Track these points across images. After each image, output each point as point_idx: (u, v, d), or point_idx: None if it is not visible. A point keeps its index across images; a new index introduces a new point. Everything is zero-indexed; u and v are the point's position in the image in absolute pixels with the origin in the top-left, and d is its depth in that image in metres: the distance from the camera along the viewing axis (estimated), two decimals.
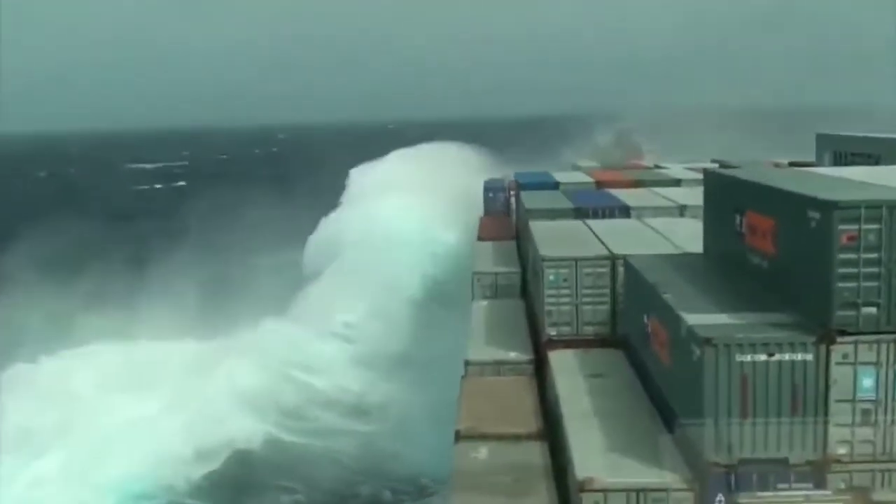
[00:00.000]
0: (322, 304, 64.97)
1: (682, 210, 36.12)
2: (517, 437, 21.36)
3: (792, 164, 52.63)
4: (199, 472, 46.60)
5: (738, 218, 20.93)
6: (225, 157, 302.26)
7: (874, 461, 16.25)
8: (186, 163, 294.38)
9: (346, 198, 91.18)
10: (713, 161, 63.47)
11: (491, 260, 39.27)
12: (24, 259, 69.42)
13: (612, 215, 36.19)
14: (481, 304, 34.14)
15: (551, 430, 21.58)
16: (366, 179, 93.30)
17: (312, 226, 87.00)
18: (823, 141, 57.11)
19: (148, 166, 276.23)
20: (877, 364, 16.11)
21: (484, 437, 21.38)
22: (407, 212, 75.39)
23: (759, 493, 16.02)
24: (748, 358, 16.12)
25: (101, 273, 66.71)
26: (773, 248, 18.82)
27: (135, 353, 55.42)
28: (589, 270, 26.75)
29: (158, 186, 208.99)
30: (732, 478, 16.16)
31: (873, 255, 16.03)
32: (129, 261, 79.27)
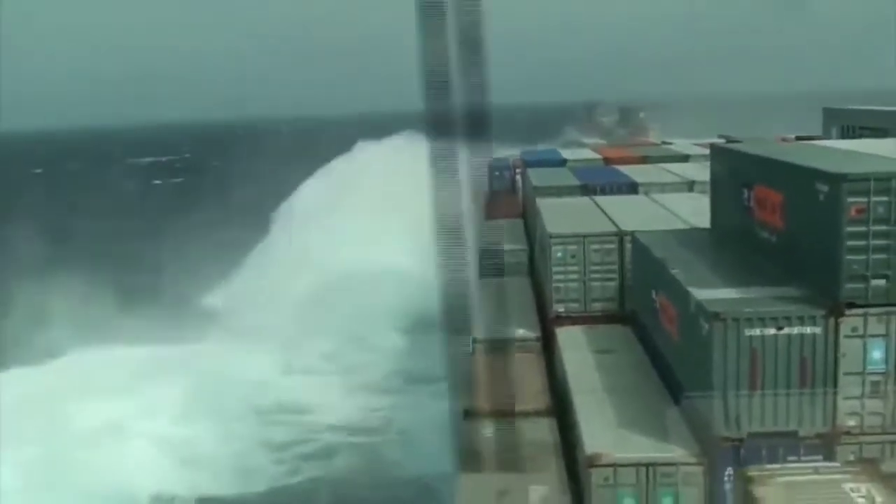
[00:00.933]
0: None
1: (690, 185, 36.02)
2: (525, 414, 21.35)
3: (799, 139, 52.39)
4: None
5: (745, 192, 20.84)
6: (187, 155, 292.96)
7: (884, 433, 16.24)
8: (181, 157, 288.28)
9: (285, 221, 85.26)
10: (720, 136, 63.24)
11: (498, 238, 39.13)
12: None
13: (619, 192, 36.08)
14: (488, 282, 34.06)
15: (559, 407, 21.57)
16: (311, 195, 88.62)
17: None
18: (830, 115, 56.85)
19: (144, 160, 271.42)
20: (886, 336, 16.08)
21: (491, 415, 21.35)
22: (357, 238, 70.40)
23: (769, 466, 16.00)
24: (757, 332, 16.08)
25: (81, 272, 65.87)
26: (781, 221, 18.74)
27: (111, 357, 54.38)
28: (596, 247, 26.71)
29: (156, 182, 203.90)
30: (742, 451, 16.17)
31: (882, 228, 15.97)
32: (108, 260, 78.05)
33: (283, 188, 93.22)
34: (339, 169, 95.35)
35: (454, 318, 11.97)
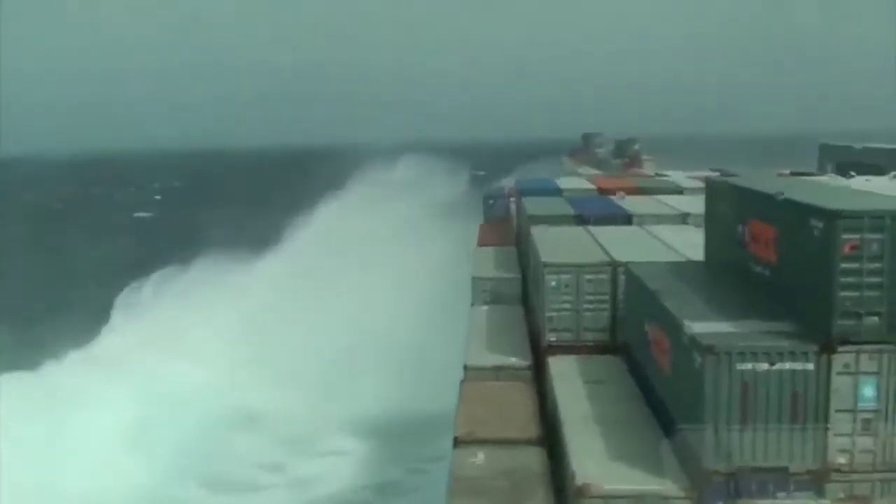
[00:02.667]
0: None
1: (684, 218, 36.09)
2: (516, 443, 21.29)
3: (794, 175, 52.64)
4: None
5: (740, 226, 20.90)
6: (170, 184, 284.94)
7: (874, 471, 16.21)
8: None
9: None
10: (714, 170, 63.50)
11: (491, 265, 39.22)
12: None
13: (613, 222, 36.11)
14: (481, 310, 34.09)
15: (550, 436, 21.52)
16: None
17: None
18: (826, 151, 57.24)
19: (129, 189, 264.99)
20: (878, 374, 16.07)
21: (482, 442, 21.30)
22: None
23: (758, 501, 15.96)
24: (749, 366, 16.08)
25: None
26: (775, 256, 18.78)
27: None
28: (590, 277, 26.74)
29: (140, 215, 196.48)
30: (732, 485, 16.11)
31: (876, 265, 16.00)
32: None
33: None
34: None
35: None
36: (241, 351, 57.57)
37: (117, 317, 67.36)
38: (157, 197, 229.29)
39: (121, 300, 70.08)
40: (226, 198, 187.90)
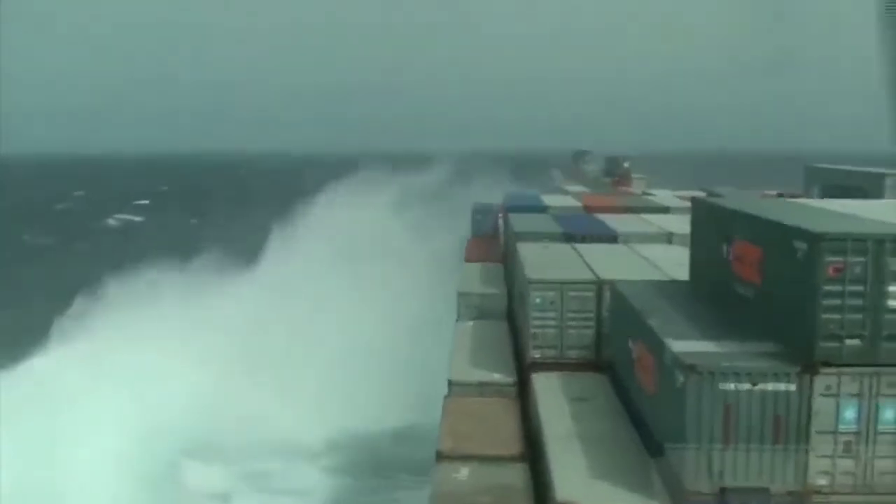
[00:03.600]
0: None
1: (669, 237, 36.27)
2: (499, 459, 21.29)
3: (780, 196, 52.94)
4: None
5: (725, 246, 21.00)
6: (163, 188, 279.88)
7: (854, 493, 16.28)
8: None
9: None
10: (702, 189, 63.80)
11: (477, 281, 39.26)
12: None
13: (599, 240, 36.25)
14: (466, 325, 34.10)
15: (533, 453, 21.53)
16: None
17: None
18: (812, 174, 57.58)
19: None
20: (859, 396, 16.16)
21: (465, 458, 21.30)
22: None
23: None
24: (731, 386, 16.15)
25: None
26: (759, 277, 18.88)
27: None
28: (575, 294, 26.82)
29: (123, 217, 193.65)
30: None
31: (858, 288, 16.11)
32: None
33: None
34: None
35: None
36: (224, 362, 57.05)
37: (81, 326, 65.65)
38: (145, 202, 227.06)
39: (87, 307, 68.37)
40: (215, 204, 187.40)
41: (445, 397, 26.19)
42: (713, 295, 21.75)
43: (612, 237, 36.89)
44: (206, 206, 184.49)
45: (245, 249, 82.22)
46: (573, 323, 26.74)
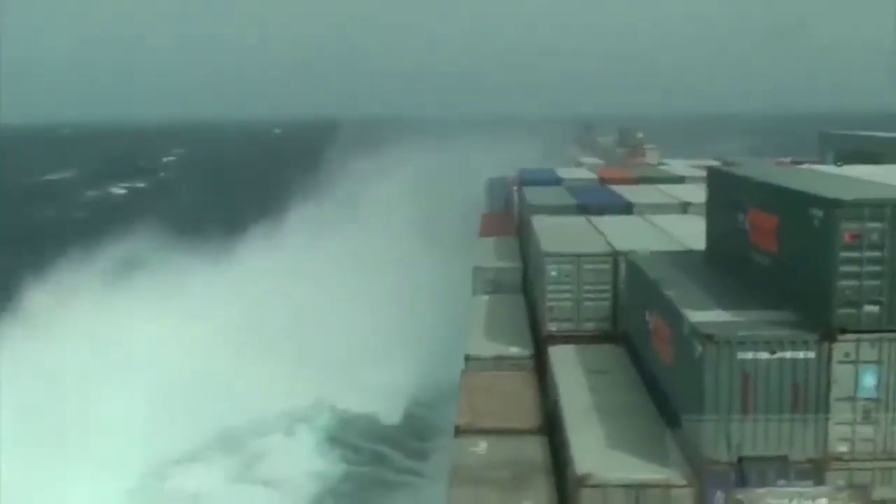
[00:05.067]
0: None
1: (685, 207, 36.08)
2: (517, 432, 21.35)
3: (795, 163, 52.60)
4: None
5: (741, 216, 20.89)
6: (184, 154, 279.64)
7: (874, 459, 16.26)
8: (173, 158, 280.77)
9: None
10: (716, 159, 63.47)
11: (492, 255, 39.26)
12: None
13: (614, 212, 36.12)
14: (482, 299, 34.13)
15: (551, 426, 21.56)
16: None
17: None
18: (826, 140, 57.19)
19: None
20: (878, 363, 16.10)
21: (483, 432, 21.36)
22: None
23: (759, 490, 16.00)
24: (750, 355, 16.11)
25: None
26: (775, 245, 18.78)
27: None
28: (591, 266, 26.76)
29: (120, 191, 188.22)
30: (732, 475, 16.16)
31: (876, 254, 16.02)
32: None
33: None
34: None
35: None
36: (240, 337, 57.22)
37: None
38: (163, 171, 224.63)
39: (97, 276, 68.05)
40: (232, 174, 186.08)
41: (462, 372, 26.24)
42: (729, 264, 21.66)
43: (627, 208, 36.74)
44: (227, 175, 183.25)
45: (256, 225, 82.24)
46: (589, 295, 26.70)
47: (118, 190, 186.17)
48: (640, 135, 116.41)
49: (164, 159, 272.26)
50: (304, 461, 47.68)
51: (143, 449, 44.91)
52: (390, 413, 51.73)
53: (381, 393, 51.97)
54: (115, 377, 49.30)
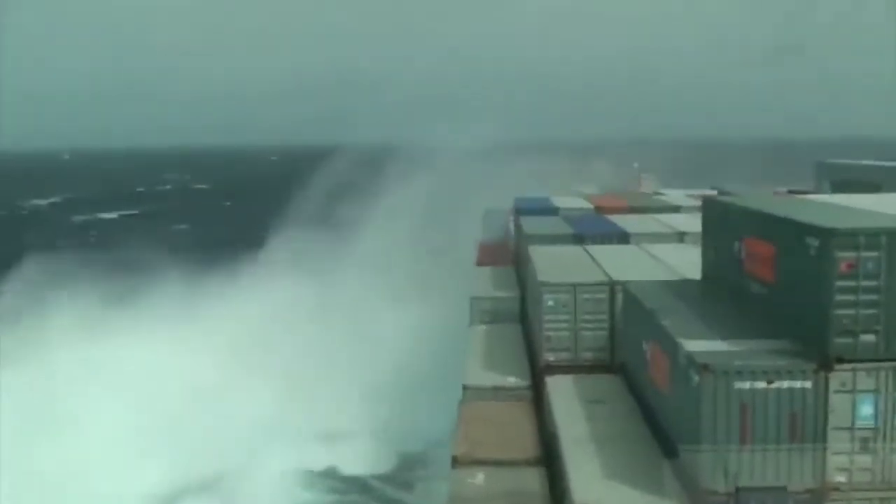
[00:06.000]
0: None
1: (681, 236, 36.16)
2: (515, 463, 21.27)
3: (791, 193, 52.70)
4: None
5: (736, 245, 20.95)
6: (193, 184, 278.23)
7: (873, 489, 16.19)
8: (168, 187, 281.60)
9: None
10: (712, 188, 63.56)
11: (489, 285, 39.23)
12: None
13: (611, 241, 36.19)
14: (479, 329, 34.09)
15: (549, 456, 21.49)
16: None
17: None
18: (822, 169, 57.39)
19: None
20: (875, 391, 16.09)
21: (481, 463, 21.28)
22: None
23: None
24: (747, 385, 16.09)
25: None
26: (771, 274, 18.82)
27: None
28: (588, 296, 26.78)
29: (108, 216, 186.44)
30: None
31: (872, 283, 16.04)
32: None
33: None
34: None
35: None
36: (241, 362, 57.24)
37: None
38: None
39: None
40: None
41: (460, 402, 26.17)
42: (726, 293, 21.69)
43: (623, 237, 36.82)
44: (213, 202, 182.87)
45: (250, 251, 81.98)
46: (587, 325, 26.70)
47: (108, 215, 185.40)
48: (636, 164, 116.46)
49: (159, 187, 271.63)
50: (290, 492, 47.59)
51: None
52: (379, 448, 51.50)
53: (371, 426, 51.83)
54: (102, 402, 49.57)
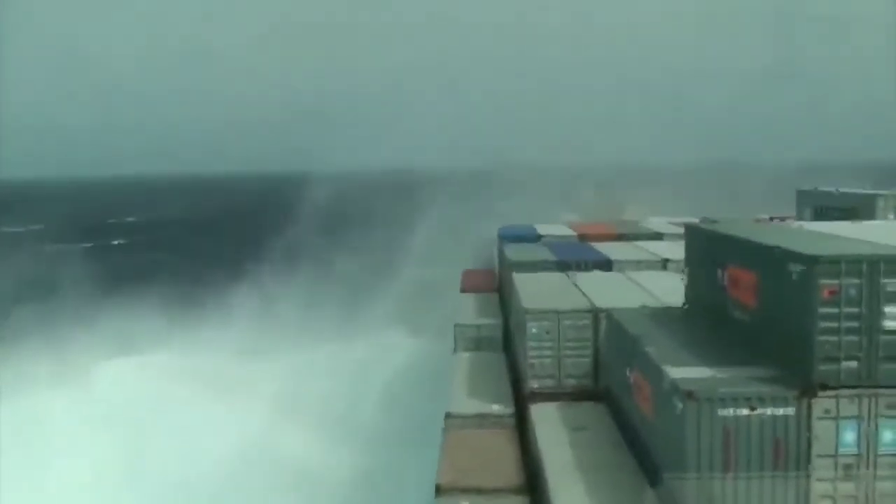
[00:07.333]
0: None
1: (664, 263, 36.26)
2: (499, 491, 21.14)
3: (773, 219, 52.94)
4: None
5: (719, 272, 21.01)
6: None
7: None
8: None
9: None
10: (694, 216, 63.77)
11: (473, 312, 39.21)
12: None
13: (594, 268, 36.25)
14: (463, 357, 34.03)
15: (533, 484, 21.39)
16: None
17: None
18: (804, 197, 57.70)
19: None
20: (858, 418, 16.10)
21: (465, 491, 21.15)
22: None
23: None
24: (730, 412, 16.08)
25: None
26: (754, 301, 18.87)
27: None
28: (571, 323, 26.77)
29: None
30: None
31: (854, 310, 16.10)
32: None
33: None
34: None
35: None
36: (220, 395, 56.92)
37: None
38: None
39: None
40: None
41: (444, 430, 26.05)
42: (709, 320, 21.73)
43: (606, 265, 36.88)
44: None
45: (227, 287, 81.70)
46: (570, 352, 26.68)
47: (81, 245, 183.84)
48: (619, 192, 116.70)
49: (129, 219, 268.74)
50: None
51: None
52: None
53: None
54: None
